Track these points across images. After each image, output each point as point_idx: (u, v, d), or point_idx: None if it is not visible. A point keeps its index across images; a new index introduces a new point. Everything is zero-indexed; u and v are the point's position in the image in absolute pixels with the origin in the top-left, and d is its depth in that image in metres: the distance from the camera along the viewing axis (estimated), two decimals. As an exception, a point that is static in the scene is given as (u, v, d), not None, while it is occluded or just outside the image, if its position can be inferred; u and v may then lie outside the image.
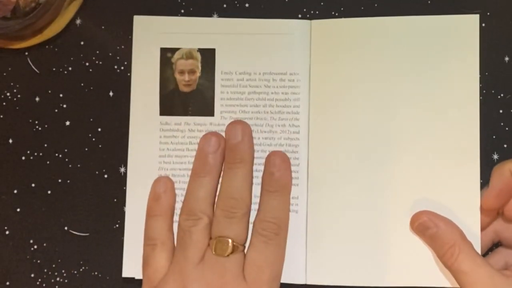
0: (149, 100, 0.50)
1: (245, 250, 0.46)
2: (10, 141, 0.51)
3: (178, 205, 0.48)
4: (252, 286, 0.44)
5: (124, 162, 0.50)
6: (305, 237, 0.48)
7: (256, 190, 0.48)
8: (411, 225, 0.47)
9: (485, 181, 0.49)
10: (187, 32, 0.50)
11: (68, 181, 0.51)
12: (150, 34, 0.50)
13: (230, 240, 0.45)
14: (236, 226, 0.45)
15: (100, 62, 0.51)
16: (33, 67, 0.51)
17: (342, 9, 0.50)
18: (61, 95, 0.51)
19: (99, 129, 0.51)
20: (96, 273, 0.51)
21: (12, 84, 0.51)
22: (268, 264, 0.45)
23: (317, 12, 0.51)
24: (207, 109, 0.50)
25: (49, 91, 0.51)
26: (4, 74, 0.51)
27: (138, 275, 0.48)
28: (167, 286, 0.44)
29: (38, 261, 0.51)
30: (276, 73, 0.49)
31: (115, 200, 0.51)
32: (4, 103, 0.51)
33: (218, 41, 0.50)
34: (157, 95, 0.50)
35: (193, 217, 0.46)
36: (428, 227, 0.46)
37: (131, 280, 0.49)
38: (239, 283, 0.44)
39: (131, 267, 0.49)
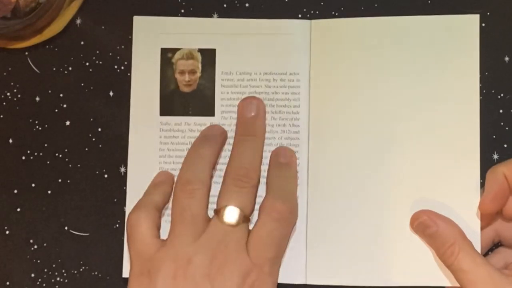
0: (149, 100, 0.50)
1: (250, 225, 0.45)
2: (10, 141, 0.51)
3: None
4: (255, 261, 0.43)
5: (124, 162, 0.50)
6: (305, 237, 0.48)
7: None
8: (411, 224, 0.47)
9: (485, 180, 0.49)
10: (188, 32, 0.50)
11: (68, 181, 0.51)
12: (150, 35, 0.50)
13: (238, 210, 0.44)
14: (246, 197, 0.45)
15: (100, 62, 0.51)
16: (33, 67, 0.51)
17: (342, 9, 0.50)
18: (61, 95, 0.51)
19: (99, 129, 0.51)
20: (96, 273, 0.51)
21: (12, 84, 0.51)
22: (274, 242, 0.44)
23: (317, 12, 0.51)
24: (208, 109, 0.50)
25: (49, 91, 0.51)
26: (4, 74, 0.51)
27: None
28: (165, 264, 0.43)
29: (38, 261, 0.51)
30: (276, 73, 0.49)
31: (115, 200, 0.51)
32: (4, 103, 0.51)
33: (219, 41, 0.50)
34: (157, 95, 0.50)
35: (189, 187, 0.44)
36: (427, 226, 0.46)
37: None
38: (243, 257, 0.43)
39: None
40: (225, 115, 0.49)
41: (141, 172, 0.49)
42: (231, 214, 0.44)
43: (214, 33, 0.50)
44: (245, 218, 0.44)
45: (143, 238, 0.44)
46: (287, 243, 0.46)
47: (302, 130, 0.49)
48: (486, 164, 0.49)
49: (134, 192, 0.49)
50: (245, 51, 0.49)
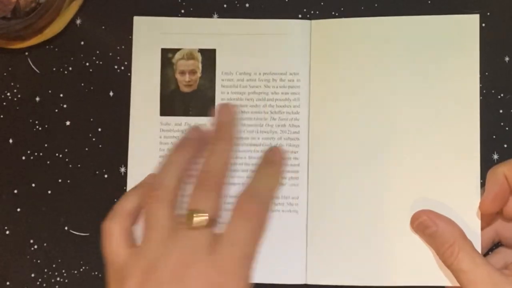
0: (149, 100, 0.50)
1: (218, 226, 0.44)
2: (10, 141, 0.51)
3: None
4: (223, 263, 0.42)
5: (124, 162, 0.50)
6: (305, 237, 0.48)
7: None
8: (411, 224, 0.47)
9: (485, 181, 0.49)
10: (188, 32, 0.50)
11: (68, 181, 0.51)
12: (151, 35, 0.50)
13: (204, 213, 0.43)
14: (211, 200, 0.44)
15: (100, 62, 0.51)
16: (33, 67, 0.51)
17: (342, 9, 0.50)
18: (61, 95, 0.51)
19: (99, 129, 0.51)
20: (96, 273, 0.51)
21: (12, 84, 0.51)
22: (243, 243, 0.43)
23: (317, 12, 0.51)
24: (208, 110, 0.50)
25: (49, 91, 0.51)
26: (4, 74, 0.51)
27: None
28: (133, 272, 0.42)
29: (38, 261, 0.51)
30: (276, 73, 0.49)
31: (115, 200, 0.50)
32: (4, 103, 0.51)
33: (219, 42, 0.50)
34: (158, 95, 0.50)
35: (155, 192, 0.44)
36: (427, 226, 0.46)
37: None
38: (210, 259, 0.42)
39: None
40: None
41: (141, 172, 0.49)
42: (197, 218, 0.43)
43: (214, 33, 0.50)
44: (211, 221, 0.43)
45: (114, 248, 0.44)
46: (257, 243, 0.44)
47: (302, 130, 0.49)
48: (486, 164, 0.49)
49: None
50: (245, 51, 0.49)
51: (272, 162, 0.47)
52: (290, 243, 0.47)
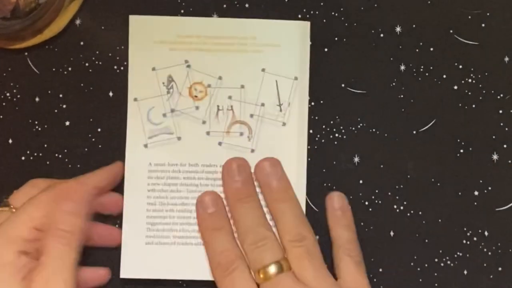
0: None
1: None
2: (10, 141, 0.51)
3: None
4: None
5: (124, 162, 0.50)
6: None
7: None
8: None
9: (485, 181, 0.49)
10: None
11: (68, 181, 0.51)
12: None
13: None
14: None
15: (100, 62, 0.51)
16: (33, 67, 0.51)
17: (342, 9, 0.50)
18: (61, 95, 0.51)
19: (99, 129, 0.51)
20: (96, 273, 0.51)
21: (12, 84, 0.51)
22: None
23: (317, 12, 0.51)
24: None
25: (49, 91, 0.51)
26: (4, 74, 0.51)
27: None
28: None
29: (38, 261, 0.51)
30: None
31: (115, 200, 0.51)
32: (4, 103, 0.51)
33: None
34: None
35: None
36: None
37: (129, 281, 0.49)
38: None
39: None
40: None
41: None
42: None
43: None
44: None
45: None
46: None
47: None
48: (486, 164, 0.49)
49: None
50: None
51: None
52: None
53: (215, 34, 0.49)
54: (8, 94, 0.51)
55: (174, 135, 0.49)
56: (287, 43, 0.49)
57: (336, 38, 0.50)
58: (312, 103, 0.50)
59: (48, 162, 0.51)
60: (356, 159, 0.50)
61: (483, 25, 0.49)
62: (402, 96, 0.50)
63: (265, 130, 0.49)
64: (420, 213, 0.50)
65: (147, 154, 0.49)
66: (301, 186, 0.48)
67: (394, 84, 0.50)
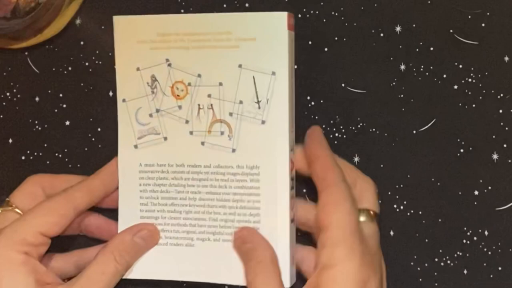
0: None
1: None
2: (10, 141, 0.51)
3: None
4: None
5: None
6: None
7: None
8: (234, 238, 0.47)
9: (485, 181, 0.49)
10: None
11: (68, 181, 0.51)
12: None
13: None
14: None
15: (100, 62, 0.51)
16: (33, 67, 0.51)
17: (342, 9, 0.50)
18: (61, 95, 0.51)
19: (99, 129, 0.51)
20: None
21: (12, 84, 0.51)
22: None
23: (317, 12, 0.51)
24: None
25: (49, 91, 0.51)
26: (4, 74, 0.51)
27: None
28: None
29: (38, 261, 0.51)
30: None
31: (115, 200, 0.51)
32: (4, 103, 0.51)
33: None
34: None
35: None
36: (245, 241, 0.46)
37: (128, 281, 0.49)
38: None
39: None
40: None
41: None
42: None
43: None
44: None
45: None
46: None
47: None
48: (486, 164, 0.49)
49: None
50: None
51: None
52: None
53: (193, 31, 0.47)
54: (8, 94, 0.51)
55: (161, 135, 0.48)
56: (262, 36, 0.46)
57: (336, 38, 0.50)
58: (312, 103, 0.50)
59: (48, 162, 0.51)
60: (356, 159, 0.50)
61: (483, 25, 0.49)
62: (402, 96, 0.50)
63: (245, 129, 0.47)
64: (420, 213, 0.50)
65: (137, 154, 0.48)
66: (284, 185, 0.46)
67: (394, 84, 0.50)
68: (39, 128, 0.51)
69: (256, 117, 0.47)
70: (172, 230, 0.48)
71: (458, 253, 0.49)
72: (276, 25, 0.46)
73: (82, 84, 0.51)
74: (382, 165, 0.50)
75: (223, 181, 0.47)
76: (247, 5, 0.51)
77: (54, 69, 0.51)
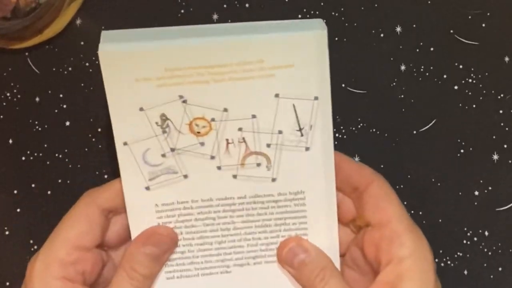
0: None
1: None
2: (10, 141, 0.51)
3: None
4: None
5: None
6: None
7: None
8: (279, 252, 0.44)
9: (485, 181, 0.49)
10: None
11: (68, 181, 0.51)
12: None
13: None
14: None
15: (100, 62, 0.51)
16: (33, 67, 0.51)
17: (342, 9, 0.50)
18: (61, 95, 0.51)
19: (99, 129, 0.51)
20: (96, 273, 0.51)
21: (12, 84, 0.51)
22: None
23: (317, 12, 0.51)
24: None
25: (49, 91, 0.51)
26: (4, 74, 0.52)
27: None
28: None
29: (38, 261, 0.51)
30: None
31: (115, 200, 0.51)
32: (4, 103, 0.51)
33: None
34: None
35: None
36: (296, 253, 0.43)
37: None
38: None
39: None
40: None
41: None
42: None
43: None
44: None
45: None
46: None
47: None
48: (486, 164, 0.49)
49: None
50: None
51: None
52: None
53: (213, 63, 0.40)
54: (8, 94, 0.51)
55: (179, 174, 0.43)
56: (301, 61, 0.40)
57: (336, 38, 0.50)
58: (312, 103, 0.50)
59: (48, 162, 0.51)
60: (356, 159, 0.50)
61: (483, 25, 0.49)
62: (402, 96, 0.50)
63: (286, 158, 0.43)
64: (420, 213, 0.50)
65: (151, 196, 0.43)
66: (332, 210, 0.44)
67: (394, 84, 0.50)
68: (39, 129, 0.51)
69: (299, 145, 0.43)
70: (203, 261, 0.45)
71: (458, 253, 0.50)
72: (316, 46, 0.40)
73: (82, 85, 0.51)
74: (382, 165, 0.50)
75: (262, 209, 0.44)
76: (247, 5, 0.51)
77: (54, 69, 0.51)
